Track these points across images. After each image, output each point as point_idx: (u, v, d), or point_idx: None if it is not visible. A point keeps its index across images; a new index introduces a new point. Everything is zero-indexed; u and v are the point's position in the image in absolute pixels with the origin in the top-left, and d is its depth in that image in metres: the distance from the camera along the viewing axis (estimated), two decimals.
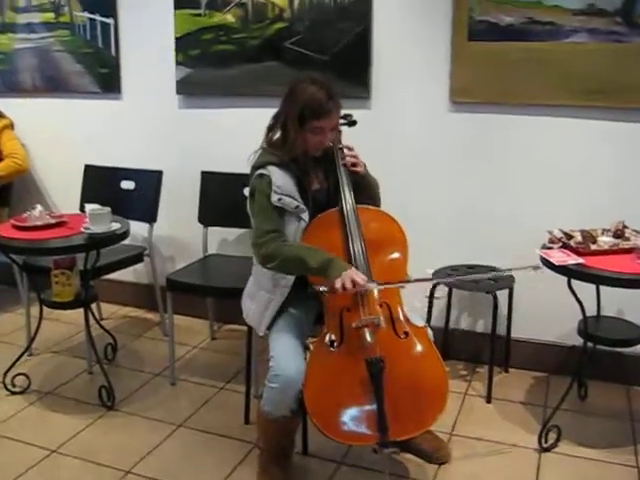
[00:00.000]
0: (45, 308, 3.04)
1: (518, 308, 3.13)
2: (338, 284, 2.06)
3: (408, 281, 2.30)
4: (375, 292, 2.21)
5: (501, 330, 3.15)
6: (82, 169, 3.71)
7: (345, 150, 2.41)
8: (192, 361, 3.38)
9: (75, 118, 3.91)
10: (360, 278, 2.09)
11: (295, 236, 2.28)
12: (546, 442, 2.60)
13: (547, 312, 3.11)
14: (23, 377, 3.06)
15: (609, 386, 3.04)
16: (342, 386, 2.15)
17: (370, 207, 2.42)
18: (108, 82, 3.77)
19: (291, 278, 2.29)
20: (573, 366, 2.83)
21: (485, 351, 3.12)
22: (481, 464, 2.52)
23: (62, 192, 3.96)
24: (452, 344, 3.29)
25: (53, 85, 3.91)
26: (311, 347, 2.19)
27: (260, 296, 2.38)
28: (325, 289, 2.12)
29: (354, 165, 2.39)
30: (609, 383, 3.06)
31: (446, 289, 3.14)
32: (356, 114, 2.59)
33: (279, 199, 2.25)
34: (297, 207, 2.27)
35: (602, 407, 2.90)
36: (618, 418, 2.82)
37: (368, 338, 2.17)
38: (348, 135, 2.51)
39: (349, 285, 2.06)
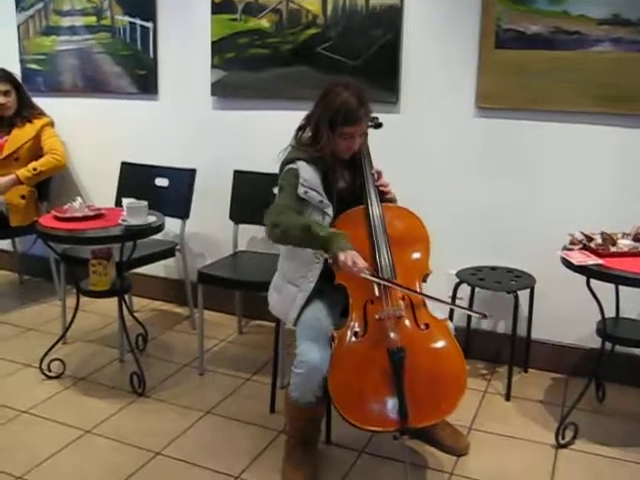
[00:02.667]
0: (82, 298, 3.18)
1: (539, 309, 3.20)
2: (342, 257, 2.16)
3: (415, 291, 2.35)
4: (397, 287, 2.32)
5: (521, 331, 3.22)
6: (118, 166, 3.86)
7: (376, 175, 2.52)
8: (220, 353, 3.50)
9: (113, 117, 4.06)
10: (362, 263, 2.18)
11: None
12: (563, 439, 2.66)
13: (567, 314, 3.18)
14: (59, 363, 3.19)
15: (627, 389, 3.10)
16: (365, 374, 2.24)
17: (394, 205, 2.53)
18: (146, 83, 3.91)
19: (316, 271, 2.38)
20: (592, 368, 2.89)
21: (505, 351, 3.18)
22: (498, 457, 2.59)
23: (98, 188, 4.12)
24: (473, 344, 3.36)
25: (93, 85, 4.07)
26: (336, 337, 2.29)
27: (287, 289, 2.48)
28: (329, 259, 2.20)
29: (385, 193, 2.52)
30: (627, 386, 3.11)
31: (468, 289, 3.21)
32: (384, 118, 2.68)
33: (305, 192, 2.36)
34: (321, 202, 2.37)
35: (619, 408, 2.95)
36: (635, 419, 2.87)
37: (390, 329, 2.26)
38: (378, 138, 2.61)
39: (350, 262, 2.15)
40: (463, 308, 2.30)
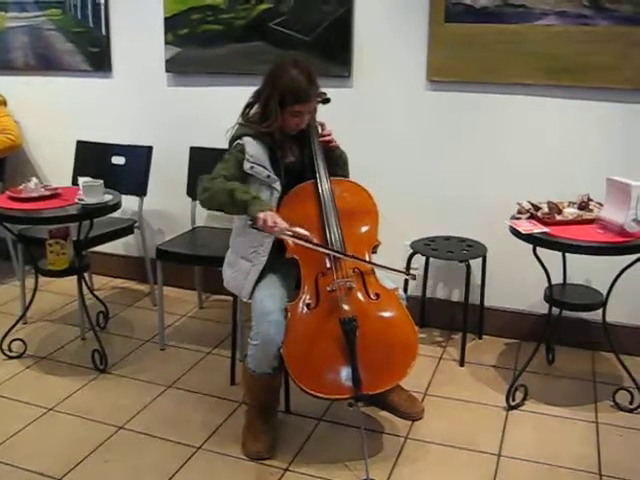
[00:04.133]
0: (40, 278, 3.18)
1: (491, 278, 3.30)
2: (261, 215, 2.22)
3: (352, 256, 2.42)
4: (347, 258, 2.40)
5: (475, 299, 3.33)
6: (74, 145, 3.84)
7: (320, 128, 2.57)
8: (180, 328, 3.54)
9: (67, 96, 4.02)
10: (282, 222, 2.24)
11: None
12: (513, 400, 2.77)
13: (519, 282, 3.28)
14: (19, 342, 3.21)
15: (575, 351, 3.23)
16: (318, 344, 2.31)
17: (343, 179, 2.59)
18: (99, 61, 3.87)
19: (268, 246, 2.42)
20: (543, 333, 3.01)
21: (460, 319, 3.26)
22: (452, 420, 2.69)
23: (54, 167, 4.09)
24: (429, 312, 3.47)
25: (45, 63, 4.01)
26: (289, 309, 2.34)
27: (240, 264, 2.53)
28: (251, 222, 2.27)
29: (329, 142, 2.56)
30: (575, 349, 3.24)
31: (422, 259, 3.30)
32: (337, 92, 2.73)
33: (251, 167, 2.40)
34: (268, 176, 2.42)
35: (568, 370, 3.08)
36: (582, 380, 3.00)
37: (341, 300, 2.33)
38: (330, 113, 2.64)
39: (270, 222, 2.21)
40: (388, 269, 2.42)
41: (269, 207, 2.28)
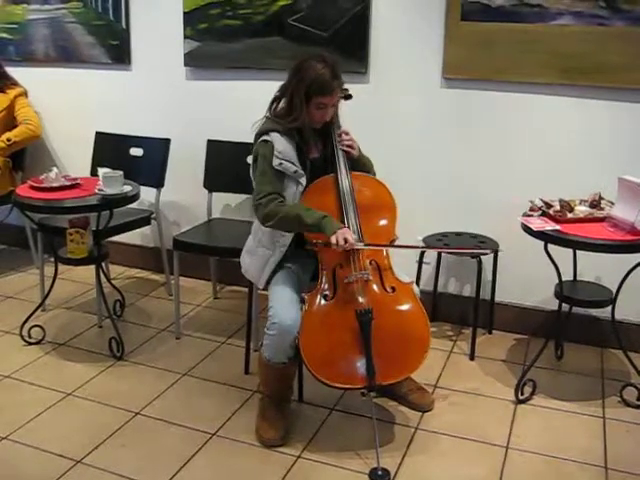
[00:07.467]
0: (59, 266, 3.25)
1: (502, 274, 3.34)
2: (334, 239, 2.29)
3: (392, 245, 2.52)
4: (364, 250, 2.45)
5: (486, 294, 3.37)
6: (93, 136, 3.90)
7: (343, 135, 2.61)
8: (196, 318, 3.60)
9: (86, 87, 4.08)
10: (351, 237, 2.32)
11: (294, 198, 2.49)
12: (522, 394, 2.82)
13: (530, 278, 3.32)
14: (38, 329, 3.28)
15: (584, 348, 3.26)
16: (334, 335, 2.37)
17: (362, 174, 2.63)
18: (118, 54, 3.93)
19: (289, 237, 2.49)
20: (552, 329, 3.05)
21: (471, 314, 3.31)
22: (461, 413, 2.74)
23: (73, 158, 4.15)
24: (440, 307, 3.51)
25: (65, 55, 4.07)
26: (306, 299, 2.40)
27: (259, 252, 2.59)
28: (321, 242, 2.35)
29: (350, 147, 2.60)
30: (585, 345, 3.28)
31: (435, 254, 3.34)
32: (354, 88, 2.76)
33: (280, 163, 2.45)
34: (296, 172, 2.47)
35: (577, 366, 3.12)
36: (590, 376, 3.04)
37: (358, 292, 2.39)
38: (348, 108, 2.69)
39: (342, 242, 2.28)
40: (411, 247, 2.66)
41: (337, 226, 2.35)
